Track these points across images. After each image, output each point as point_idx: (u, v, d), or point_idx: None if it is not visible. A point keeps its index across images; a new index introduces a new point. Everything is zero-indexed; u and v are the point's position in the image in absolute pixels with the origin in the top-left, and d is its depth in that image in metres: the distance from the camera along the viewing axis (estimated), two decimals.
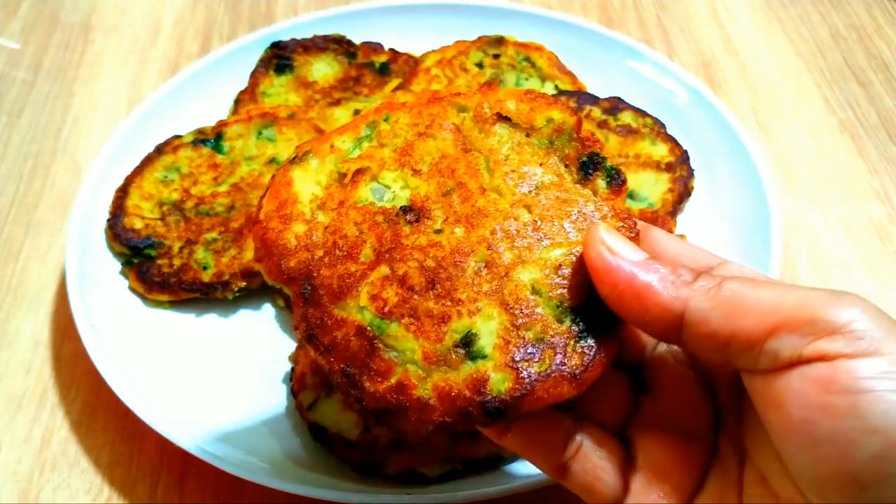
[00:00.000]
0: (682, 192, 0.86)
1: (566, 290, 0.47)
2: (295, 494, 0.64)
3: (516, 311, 0.47)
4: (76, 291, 0.76)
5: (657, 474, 0.46)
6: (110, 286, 0.80)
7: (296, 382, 0.72)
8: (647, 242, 0.49)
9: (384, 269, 0.50)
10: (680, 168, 0.87)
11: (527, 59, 0.99)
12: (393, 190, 0.53)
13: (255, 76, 0.98)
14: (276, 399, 0.74)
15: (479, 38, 1.00)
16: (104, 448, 0.74)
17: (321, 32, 1.02)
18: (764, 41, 1.14)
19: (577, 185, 0.51)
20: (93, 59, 1.13)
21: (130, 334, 0.77)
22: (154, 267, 0.80)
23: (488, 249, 0.49)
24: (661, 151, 0.89)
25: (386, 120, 0.56)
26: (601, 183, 0.51)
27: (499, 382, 0.45)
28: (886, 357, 0.36)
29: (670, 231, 0.78)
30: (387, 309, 0.48)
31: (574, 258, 0.48)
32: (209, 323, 0.80)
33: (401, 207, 0.52)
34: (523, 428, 0.48)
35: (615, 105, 0.92)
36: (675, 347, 0.50)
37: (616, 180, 0.51)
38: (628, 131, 0.90)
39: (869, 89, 1.06)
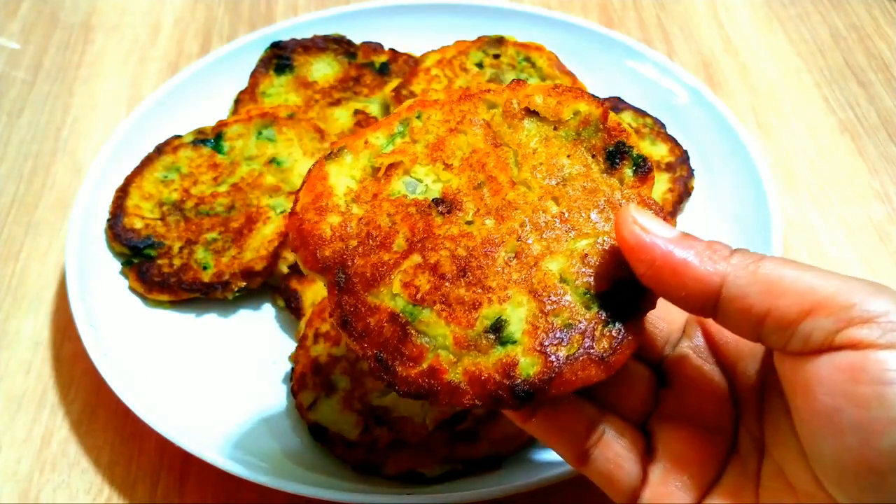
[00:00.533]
0: (682, 192, 0.86)
1: (593, 278, 0.48)
2: (295, 494, 0.64)
3: (545, 299, 0.48)
4: (76, 291, 0.76)
5: (675, 466, 0.47)
6: (110, 286, 0.80)
7: (296, 382, 0.72)
8: None
9: (416, 258, 0.51)
10: (680, 168, 0.87)
11: (527, 59, 0.99)
12: (425, 183, 0.54)
13: (255, 76, 0.98)
14: (276, 399, 0.74)
15: (479, 38, 1.00)
16: (104, 448, 0.74)
17: (321, 32, 1.02)
18: (764, 41, 1.14)
19: (605, 175, 0.52)
20: (93, 59, 1.13)
21: (130, 334, 0.77)
22: (154, 267, 0.80)
23: (518, 240, 0.50)
24: (661, 151, 0.89)
25: (418, 117, 0.57)
26: (628, 172, 0.52)
27: (528, 366, 0.46)
28: None
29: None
30: (419, 296, 0.50)
31: (600, 247, 0.49)
32: (209, 323, 0.80)
33: (433, 199, 0.53)
34: (548, 414, 0.49)
35: (615, 105, 0.92)
36: (697, 343, 0.51)
37: (643, 168, 0.52)
38: None
39: (869, 89, 1.06)
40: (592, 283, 0.48)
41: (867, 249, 0.89)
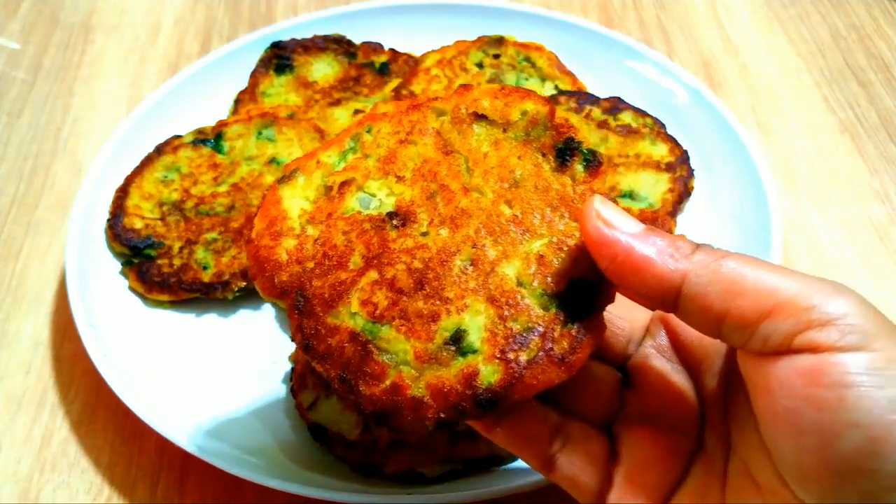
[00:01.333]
0: (682, 192, 0.86)
1: (550, 278, 0.48)
2: (295, 494, 0.64)
3: (503, 304, 0.48)
4: (76, 291, 0.76)
5: (639, 468, 0.47)
6: (110, 286, 0.80)
7: (296, 382, 0.72)
8: None
9: (373, 275, 0.51)
10: (680, 168, 0.87)
11: (527, 59, 0.99)
12: (378, 198, 0.54)
13: (255, 76, 0.98)
14: (276, 399, 0.73)
15: (479, 38, 1.00)
16: (104, 448, 0.74)
17: (321, 32, 1.02)
18: (764, 41, 1.14)
19: (556, 173, 0.51)
20: (93, 59, 1.13)
21: (130, 334, 0.77)
22: (154, 267, 0.80)
23: (473, 248, 0.50)
24: (661, 151, 0.89)
25: (368, 131, 0.57)
26: (579, 167, 0.51)
27: (489, 374, 0.46)
28: (876, 353, 0.36)
29: (671, 231, 0.78)
30: (377, 313, 0.49)
31: (556, 247, 0.49)
32: (209, 323, 0.80)
33: (387, 213, 0.52)
34: (512, 423, 0.49)
35: (615, 105, 0.92)
36: (660, 342, 0.51)
37: (593, 163, 0.51)
38: (628, 131, 0.90)
39: (869, 89, 1.06)
40: (549, 283, 0.48)
41: (867, 249, 0.89)
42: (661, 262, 0.41)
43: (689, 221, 0.86)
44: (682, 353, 0.51)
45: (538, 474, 0.62)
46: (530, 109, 0.54)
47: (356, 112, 0.94)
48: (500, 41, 0.99)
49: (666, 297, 0.41)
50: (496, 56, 0.98)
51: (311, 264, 0.52)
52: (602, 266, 0.44)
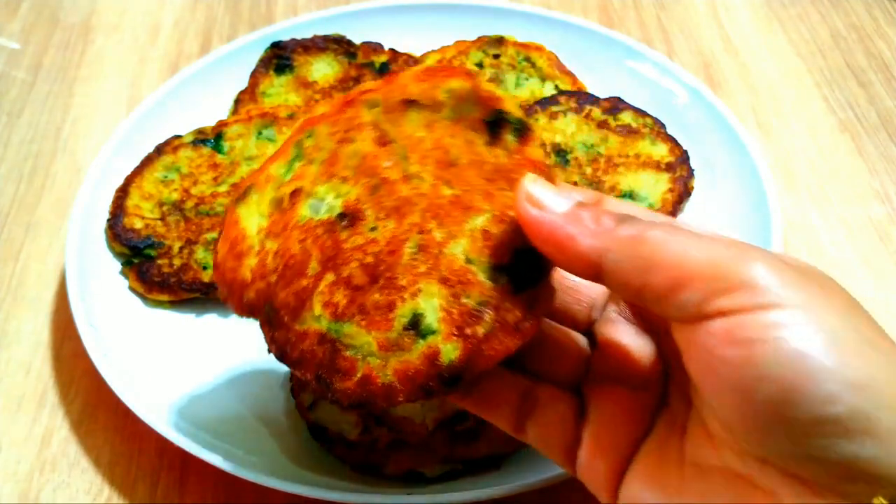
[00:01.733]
0: (682, 192, 0.86)
1: (497, 251, 0.49)
2: (295, 494, 0.64)
3: (454, 283, 0.49)
4: (76, 291, 0.76)
5: (606, 426, 0.49)
6: (110, 286, 0.80)
7: (296, 382, 0.72)
8: None
9: (330, 277, 0.52)
10: (680, 168, 0.87)
11: (527, 59, 0.99)
12: (327, 202, 0.54)
13: (255, 76, 0.98)
14: (276, 399, 0.74)
15: (479, 38, 1.00)
16: (104, 448, 0.74)
17: (321, 32, 1.02)
18: (764, 41, 1.14)
19: (489, 147, 0.51)
20: (93, 59, 1.13)
21: (130, 334, 0.77)
22: (154, 267, 0.80)
23: (420, 233, 0.50)
24: (661, 151, 0.89)
25: (310, 136, 0.57)
26: (510, 138, 0.51)
27: (450, 352, 0.47)
28: (783, 309, 0.37)
29: None
30: (339, 311, 0.50)
31: (499, 220, 0.50)
32: (209, 323, 0.80)
33: (337, 215, 0.53)
34: (483, 392, 0.51)
35: (615, 105, 0.92)
36: (622, 307, 0.54)
37: (523, 131, 0.51)
38: (628, 131, 0.90)
39: (869, 89, 1.06)
40: (496, 256, 0.49)
41: (867, 249, 0.89)
42: (581, 239, 0.43)
43: (689, 221, 0.86)
44: (643, 313, 0.53)
45: (539, 474, 0.62)
46: (456, 87, 0.53)
47: None
48: (500, 41, 0.99)
49: (591, 274, 0.43)
50: (496, 56, 0.98)
51: (274, 278, 0.53)
52: (535, 245, 0.46)
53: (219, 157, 0.88)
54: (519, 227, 0.48)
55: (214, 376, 0.75)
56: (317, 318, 0.51)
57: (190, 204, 0.84)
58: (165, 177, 0.87)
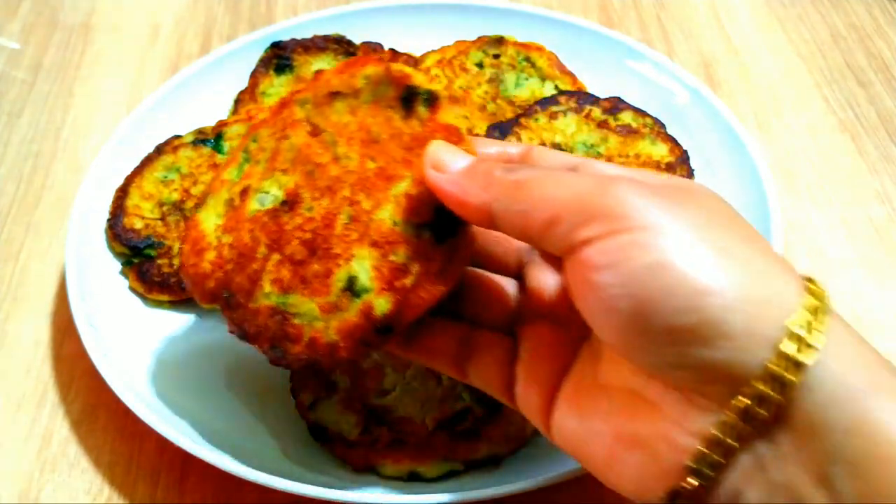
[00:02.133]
0: None
1: (419, 211, 0.55)
2: (295, 494, 0.64)
3: (383, 245, 0.55)
4: (76, 291, 0.76)
5: (534, 361, 0.52)
6: (110, 286, 0.80)
7: (296, 382, 0.72)
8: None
9: (276, 256, 0.58)
10: (680, 168, 0.87)
11: (527, 59, 0.99)
12: (272, 193, 0.61)
13: (254, 76, 0.98)
14: (276, 399, 0.74)
15: (479, 38, 1.00)
16: (104, 448, 0.74)
17: (321, 32, 1.02)
18: (764, 41, 1.14)
19: (405, 120, 0.57)
20: (93, 58, 1.13)
21: (130, 334, 0.77)
22: (154, 267, 0.80)
23: (350, 206, 0.57)
24: (661, 151, 0.89)
25: (254, 140, 0.64)
26: (422, 109, 0.56)
27: (382, 305, 0.54)
28: (641, 231, 0.39)
29: None
30: (285, 285, 0.57)
31: (418, 183, 0.55)
32: (209, 323, 0.80)
33: (280, 203, 0.60)
34: (425, 339, 0.56)
35: (615, 105, 0.92)
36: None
37: (432, 99, 0.57)
38: (628, 131, 0.90)
39: (869, 89, 1.06)
40: (419, 215, 0.54)
41: (867, 249, 0.89)
42: (472, 192, 0.47)
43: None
44: None
45: (539, 474, 0.62)
46: (370, 73, 0.60)
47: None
48: (500, 41, 0.99)
49: (487, 223, 0.47)
50: (496, 56, 0.98)
51: (230, 266, 0.60)
52: (444, 202, 0.50)
53: (219, 158, 0.88)
54: None
55: (214, 376, 0.75)
56: (267, 295, 0.57)
57: (190, 204, 0.84)
58: (165, 177, 0.87)
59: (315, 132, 0.61)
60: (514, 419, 0.67)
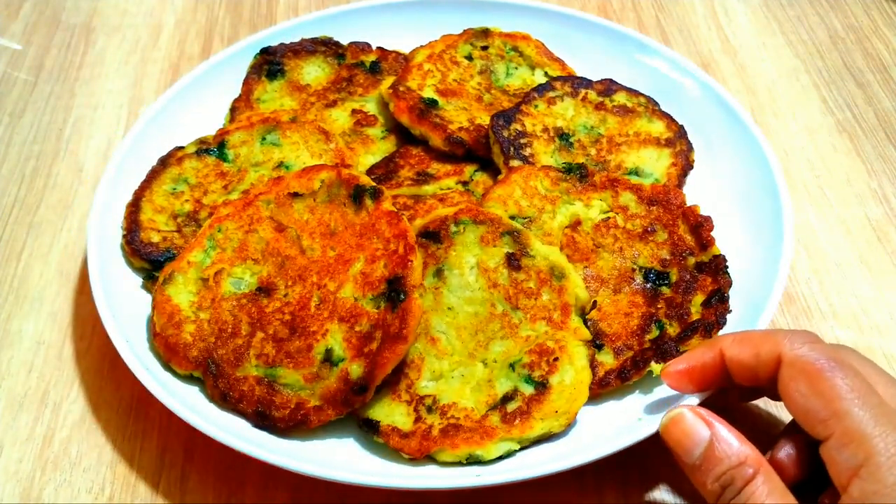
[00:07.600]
0: (685, 166, 0.87)
1: (373, 285, 0.69)
2: (296, 493, 0.64)
3: (349, 319, 0.68)
4: (108, 313, 0.73)
5: None
6: (135, 301, 0.78)
7: None
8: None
9: (260, 334, 0.71)
10: (679, 142, 0.88)
11: (514, 48, 0.99)
12: (245, 279, 0.74)
13: (247, 83, 0.97)
14: None
15: (465, 30, 1.00)
16: (106, 447, 0.74)
17: (308, 36, 1.01)
18: (762, 42, 1.14)
19: (356, 213, 0.73)
20: (94, 59, 1.14)
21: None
22: None
23: (319, 289, 0.71)
24: (658, 128, 0.90)
25: (219, 231, 0.76)
26: (369, 202, 0.72)
27: (356, 370, 0.66)
28: None
29: (683, 202, 0.79)
30: (271, 360, 0.69)
31: (370, 261, 0.69)
32: None
33: (256, 289, 0.73)
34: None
35: (608, 87, 0.93)
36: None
37: (376, 194, 0.72)
38: (625, 111, 0.91)
39: (867, 90, 1.07)
40: (374, 288, 0.68)
41: (865, 249, 0.89)
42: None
43: (693, 194, 0.87)
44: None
45: (592, 453, 0.64)
46: (325, 177, 0.75)
47: (354, 112, 0.94)
48: (485, 33, 1.00)
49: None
50: (484, 48, 0.99)
51: (212, 339, 0.71)
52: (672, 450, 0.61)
53: (225, 166, 0.87)
54: (385, 262, 0.69)
55: None
56: (254, 367, 0.69)
57: (204, 213, 0.83)
58: (174, 189, 0.85)
59: (280, 228, 0.75)
60: (564, 394, 0.67)
